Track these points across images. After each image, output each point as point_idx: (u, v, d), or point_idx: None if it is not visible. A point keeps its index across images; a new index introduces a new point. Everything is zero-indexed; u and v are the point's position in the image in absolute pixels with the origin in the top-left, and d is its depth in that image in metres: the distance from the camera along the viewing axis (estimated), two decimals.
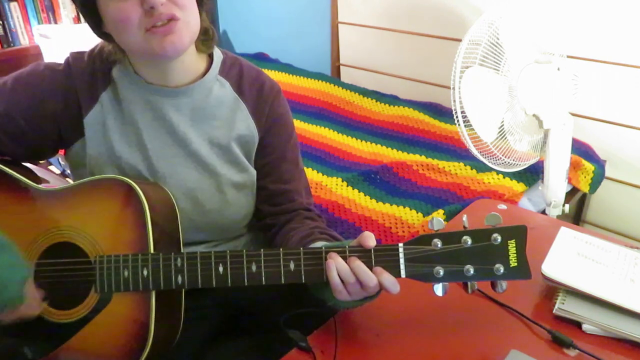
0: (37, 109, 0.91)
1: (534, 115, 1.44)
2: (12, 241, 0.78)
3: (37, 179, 0.93)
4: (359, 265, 0.77)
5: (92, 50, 0.95)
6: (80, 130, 0.93)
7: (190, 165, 0.96)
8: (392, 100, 2.41)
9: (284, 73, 2.76)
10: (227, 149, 0.97)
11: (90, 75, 0.93)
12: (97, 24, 0.87)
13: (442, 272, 0.76)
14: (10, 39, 2.79)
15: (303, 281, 0.80)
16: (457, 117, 1.43)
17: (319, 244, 0.90)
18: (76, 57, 0.95)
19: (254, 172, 1.01)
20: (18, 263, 0.78)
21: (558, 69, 1.42)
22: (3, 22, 2.74)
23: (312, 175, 1.92)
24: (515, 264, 0.76)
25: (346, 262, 0.77)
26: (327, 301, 0.83)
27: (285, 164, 1.03)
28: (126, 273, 0.82)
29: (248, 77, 1.00)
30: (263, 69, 1.05)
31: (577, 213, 2.08)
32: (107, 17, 0.84)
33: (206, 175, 0.96)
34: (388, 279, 0.77)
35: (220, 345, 0.95)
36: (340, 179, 1.86)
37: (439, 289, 0.78)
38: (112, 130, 0.93)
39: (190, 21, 0.85)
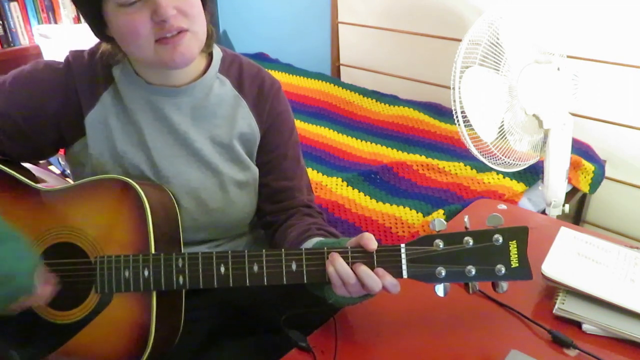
0: (36, 108, 0.91)
1: (534, 115, 1.44)
2: (19, 232, 0.78)
3: (35, 179, 0.92)
4: (365, 270, 0.77)
5: (93, 49, 0.95)
6: (81, 129, 0.93)
7: (193, 165, 0.96)
8: (392, 100, 2.41)
9: (284, 73, 2.76)
10: (229, 147, 0.97)
11: (90, 74, 0.93)
12: (100, 28, 0.87)
13: (443, 273, 0.76)
14: (10, 39, 2.78)
15: (305, 282, 0.80)
16: (457, 117, 1.43)
17: (315, 239, 0.90)
18: (76, 55, 0.95)
19: (256, 169, 1.01)
20: (26, 253, 0.78)
21: (558, 69, 1.42)
22: (3, 22, 2.74)
23: (312, 175, 1.92)
24: (517, 264, 0.76)
25: (350, 265, 0.77)
26: (327, 299, 0.83)
27: (286, 162, 1.03)
28: (127, 273, 0.82)
29: (248, 75, 1.00)
30: None
31: (577, 213, 2.08)
32: (115, 26, 0.84)
33: (209, 174, 0.96)
34: (390, 281, 0.77)
35: (220, 346, 0.95)
36: (340, 179, 1.86)
37: (440, 290, 0.78)
38: (115, 129, 0.93)
39: (198, 31, 0.86)
